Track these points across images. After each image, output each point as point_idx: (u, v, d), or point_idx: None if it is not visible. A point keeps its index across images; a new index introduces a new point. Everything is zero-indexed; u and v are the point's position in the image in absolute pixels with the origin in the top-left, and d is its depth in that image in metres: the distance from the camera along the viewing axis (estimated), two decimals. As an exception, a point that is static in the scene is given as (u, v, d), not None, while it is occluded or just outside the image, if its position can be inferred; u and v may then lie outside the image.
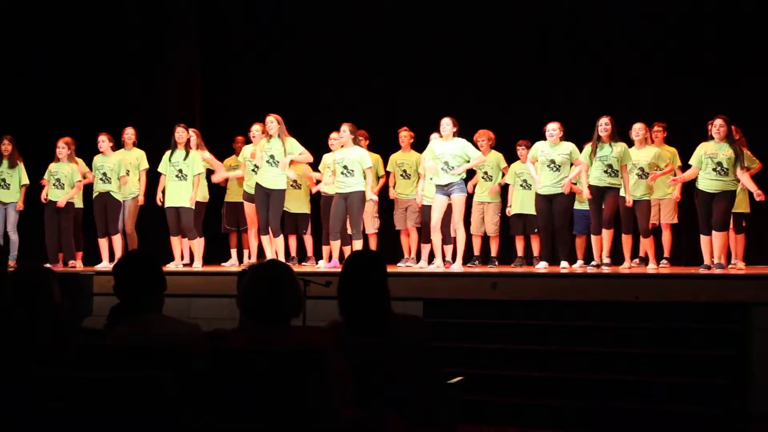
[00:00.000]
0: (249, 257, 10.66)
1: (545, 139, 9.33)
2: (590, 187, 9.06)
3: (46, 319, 4.20)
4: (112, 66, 12.21)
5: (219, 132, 11.48)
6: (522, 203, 10.29)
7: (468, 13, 11.74)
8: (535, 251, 10.32)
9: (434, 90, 11.73)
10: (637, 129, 9.35)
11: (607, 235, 9.05)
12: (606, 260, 9.04)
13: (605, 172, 8.96)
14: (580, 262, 9.73)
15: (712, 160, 8.63)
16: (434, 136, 9.82)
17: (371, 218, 10.61)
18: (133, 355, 3.57)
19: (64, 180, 10.35)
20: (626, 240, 9.25)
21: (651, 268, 9.23)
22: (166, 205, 10.09)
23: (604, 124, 8.96)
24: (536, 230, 10.11)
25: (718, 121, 8.67)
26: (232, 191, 11.07)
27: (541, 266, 9.28)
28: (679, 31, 11.03)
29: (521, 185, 10.28)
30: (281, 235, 9.80)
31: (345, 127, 9.65)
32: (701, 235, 8.82)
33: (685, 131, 9.96)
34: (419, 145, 10.44)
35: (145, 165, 10.49)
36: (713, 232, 8.69)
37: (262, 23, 12.83)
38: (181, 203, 10.00)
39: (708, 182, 8.68)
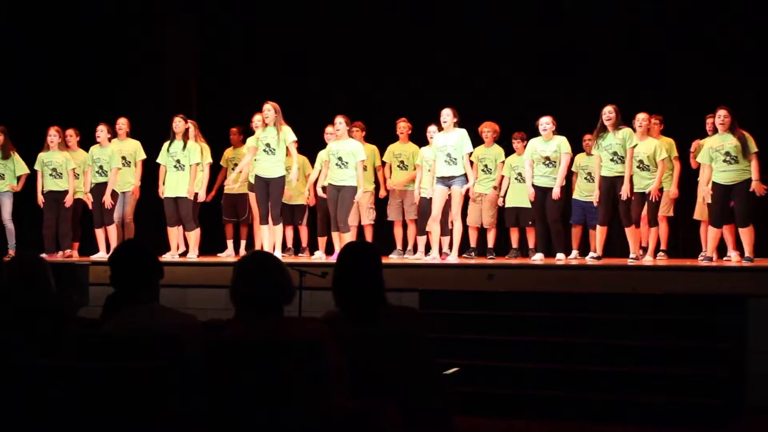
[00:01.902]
0: (247, 248, 10.67)
1: (538, 131, 9.38)
2: (600, 177, 9.01)
3: (43, 308, 4.20)
4: (111, 64, 12.22)
5: (217, 130, 11.45)
6: (516, 196, 10.25)
7: (466, 4, 11.72)
8: (530, 243, 10.31)
9: (432, 82, 11.73)
10: (641, 119, 9.29)
11: (630, 231, 8.98)
12: (632, 255, 8.94)
13: (611, 160, 8.91)
14: (575, 252, 9.74)
15: (720, 152, 8.64)
16: (432, 128, 9.82)
17: (367, 209, 10.61)
18: (130, 344, 3.57)
19: (60, 169, 10.36)
20: (633, 231, 9.15)
21: (647, 260, 9.23)
22: (165, 195, 10.09)
23: (607, 113, 8.90)
24: (530, 222, 10.14)
25: (722, 112, 8.66)
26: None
27: (537, 258, 9.29)
28: (678, 27, 11.01)
29: (516, 178, 10.23)
30: (281, 224, 9.81)
31: (340, 119, 9.67)
32: (710, 228, 8.82)
33: (683, 126, 9.97)
34: (417, 136, 10.43)
35: (142, 155, 10.47)
36: (740, 230, 8.71)
37: (260, 22, 12.79)
38: (178, 193, 10.00)
39: (721, 174, 8.66)
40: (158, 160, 10.17)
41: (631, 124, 9.20)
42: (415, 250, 10.31)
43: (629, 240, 8.99)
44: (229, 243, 11.05)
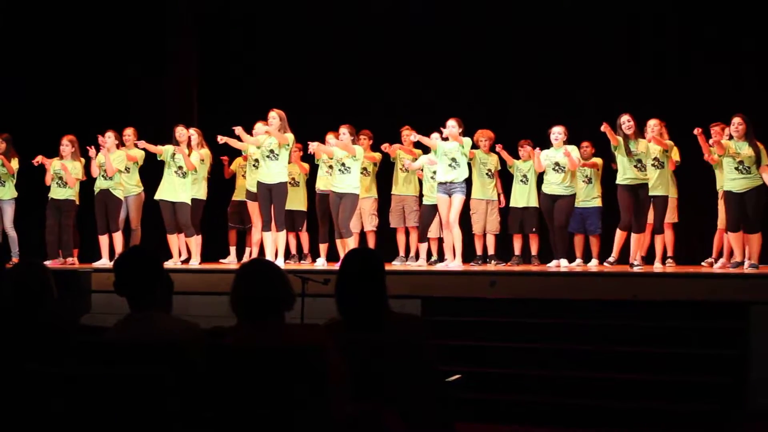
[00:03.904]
0: (250, 255, 10.68)
1: (548, 139, 9.55)
2: (621, 186, 9.00)
3: (45, 316, 4.20)
4: (111, 66, 12.26)
5: (217, 132, 11.46)
6: (520, 197, 10.33)
7: (468, 12, 11.73)
8: (533, 250, 10.33)
9: (434, 89, 11.76)
10: (652, 125, 9.28)
11: (638, 236, 8.99)
12: (637, 260, 8.96)
13: (635, 167, 8.91)
14: (578, 260, 9.75)
15: (734, 159, 8.62)
16: (435, 135, 9.85)
17: (369, 216, 10.61)
18: (133, 351, 3.57)
19: (67, 178, 10.38)
20: (636, 237, 9.11)
21: (657, 267, 9.22)
22: (162, 197, 10.12)
23: (626, 122, 8.89)
24: (534, 229, 10.18)
25: (737, 120, 8.66)
26: (238, 190, 11.10)
27: (553, 264, 9.36)
28: (678, 29, 11.02)
29: (521, 180, 10.32)
30: (284, 231, 9.84)
31: (344, 129, 9.69)
32: (729, 233, 8.82)
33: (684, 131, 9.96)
34: (420, 144, 10.43)
35: (141, 162, 10.51)
36: (747, 236, 8.71)
37: (261, 23, 12.82)
38: (176, 198, 10.03)
39: (733, 182, 8.67)
40: (160, 146, 10.21)
41: (642, 130, 9.17)
42: (417, 257, 10.33)
43: (634, 245, 9.00)
44: (232, 249, 11.07)
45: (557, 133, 9.50)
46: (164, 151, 10.15)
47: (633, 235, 8.96)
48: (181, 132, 10.12)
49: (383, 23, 12.08)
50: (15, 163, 10.64)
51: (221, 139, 10.08)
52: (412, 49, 11.92)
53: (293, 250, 10.96)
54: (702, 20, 10.87)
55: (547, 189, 9.62)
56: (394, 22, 12.04)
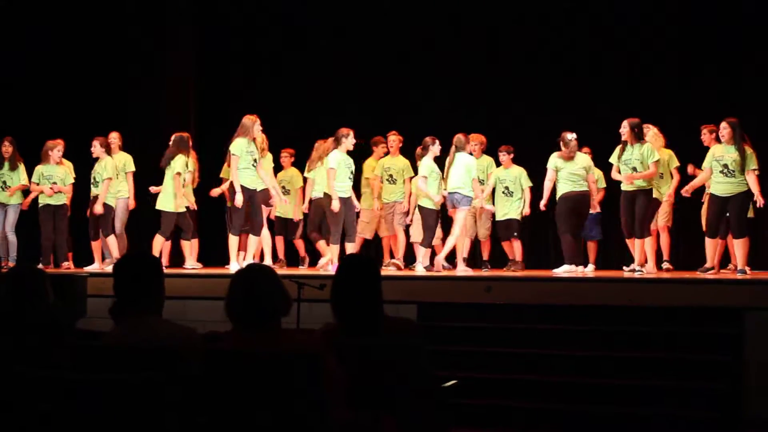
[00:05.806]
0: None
1: (558, 146, 9.46)
2: (622, 192, 9.01)
3: (40, 319, 4.19)
4: (109, 67, 12.28)
5: (216, 134, 11.46)
6: (503, 209, 10.27)
7: (464, 15, 11.77)
8: (517, 255, 10.24)
9: (435, 90, 11.79)
10: (650, 134, 9.30)
11: (648, 241, 8.99)
12: (647, 265, 8.94)
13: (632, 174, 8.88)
14: (591, 266, 9.76)
15: (718, 163, 8.67)
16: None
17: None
18: (129, 356, 3.56)
19: (60, 183, 10.37)
20: (639, 242, 9.11)
21: (651, 270, 9.22)
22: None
23: (623, 128, 8.90)
24: (515, 234, 10.13)
25: (723, 124, 8.70)
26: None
27: (562, 270, 9.36)
28: (678, 32, 11.05)
29: (503, 192, 10.24)
30: (260, 236, 9.75)
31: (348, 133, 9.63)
32: (706, 238, 8.84)
33: (681, 134, 9.99)
34: (407, 150, 10.38)
35: (131, 168, 10.50)
36: (734, 241, 8.72)
37: (261, 24, 12.84)
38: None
39: (718, 186, 8.71)
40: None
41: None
42: (405, 260, 10.26)
43: (637, 251, 9.00)
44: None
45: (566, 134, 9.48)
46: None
47: (636, 240, 8.96)
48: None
49: (383, 24, 12.09)
50: (22, 171, 10.59)
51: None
52: (412, 50, 11.94)
53: (281, 255, 10.93)
54: (702, 20, 10.89)
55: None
56: (393, 23, 12.05)
